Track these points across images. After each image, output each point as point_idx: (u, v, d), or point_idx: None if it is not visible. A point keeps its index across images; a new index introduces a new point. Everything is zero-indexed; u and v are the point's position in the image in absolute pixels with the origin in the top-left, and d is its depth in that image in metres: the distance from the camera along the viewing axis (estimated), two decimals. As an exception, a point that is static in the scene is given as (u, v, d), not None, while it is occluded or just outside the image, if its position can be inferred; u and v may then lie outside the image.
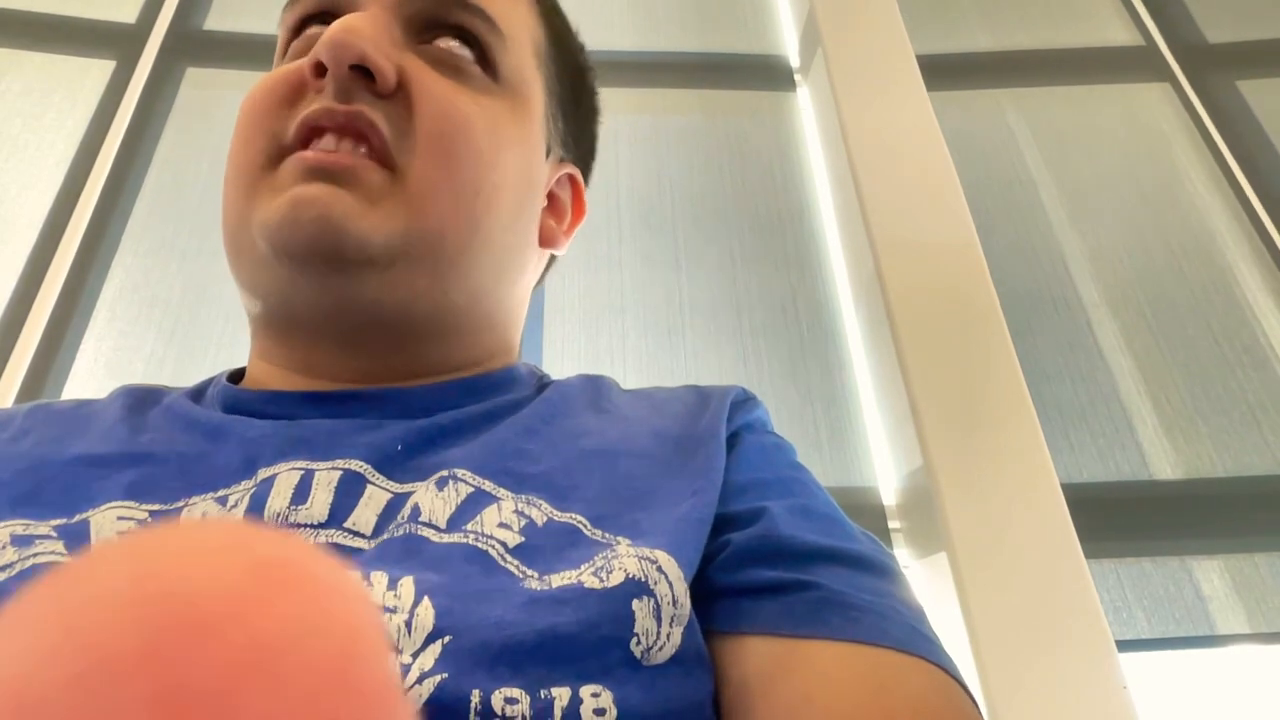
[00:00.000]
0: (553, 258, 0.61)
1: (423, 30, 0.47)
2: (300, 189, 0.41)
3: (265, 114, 0.44)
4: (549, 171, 0.54)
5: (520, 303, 0.55)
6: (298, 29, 0.49)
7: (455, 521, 0.36)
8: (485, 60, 0.48)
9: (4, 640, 0.11)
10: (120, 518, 0.36)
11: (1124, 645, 0.84)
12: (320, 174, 0.41)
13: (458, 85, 0.46)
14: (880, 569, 0.38)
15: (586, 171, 0.62)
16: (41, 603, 0.11)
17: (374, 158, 0.43)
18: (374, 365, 0.46)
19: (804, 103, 1.32)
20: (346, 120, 0.42)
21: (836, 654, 0.33)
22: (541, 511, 0.37)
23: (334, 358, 0.45)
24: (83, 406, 0.46)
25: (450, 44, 0.47)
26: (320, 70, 0.43)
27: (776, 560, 0.37)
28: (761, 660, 0.34)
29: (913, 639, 0.34)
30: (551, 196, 0.56)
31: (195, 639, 0.10)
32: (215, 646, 0.10)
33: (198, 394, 0.48)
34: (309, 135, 0.43)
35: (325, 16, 0.47)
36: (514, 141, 0.48)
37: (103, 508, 0.36)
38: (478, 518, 0.36)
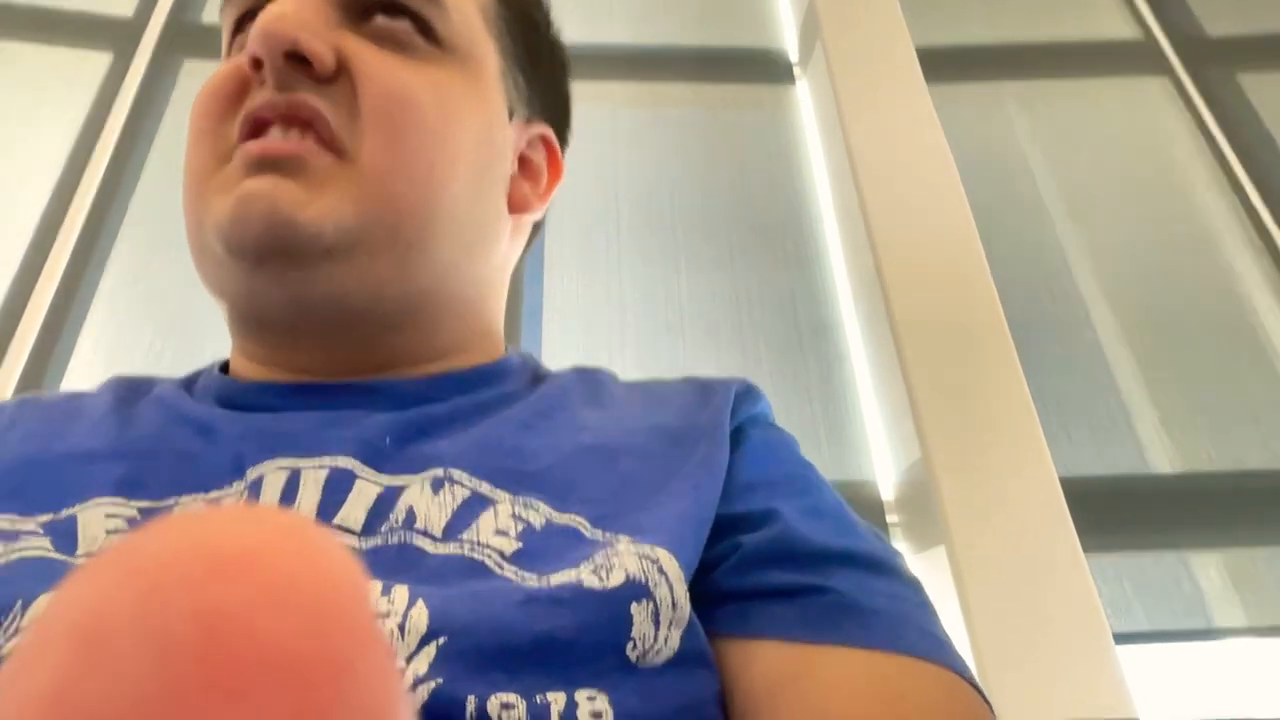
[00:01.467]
0: (537, 226, 0.59)
1: (359, 10, 0.45)
2: (246, 184, 0.40)
3: (212, 115, 0.43)
4: (515, 134, 0.52)
5: (497, 276, 0.53)
6: (238, 28, 0.48)
7: (452, 529, 0.35)
8: (427, 31, 0.46)
9: (83, 580, 0.14)
10: (108, 514, 0.35)
11: (1122, 638, 0.84)
12: (266, 165, 0.40)
13: (402, 59, 0.44)
14: (891, 569, 0.38)
15: (562, 128, 0.60)
16: (111, 555, 0.14)
17: (321, 144, 0.42)
18: (353, 358, 0.45)
19: (803, 97, 1.32)
20: (289, 109, 0.41)
21: (851, 661, 0.33)
22: (540, 514, 0.36)
23: (310, 354, 0.45)
24: (72, 399, 0.45)
25: (387, 20, 0.45)
26: (259, 63, 0.42)
27: (789, 563, 0.37)
28: (774, 665, 0.34)
29: (927, 644, 0.34)
30: (523, 159, 0.54)
31: (224, 578, 0.13)
32: (238, 582, 0.13)
33: (189, 384, 0.47)
34: (255, 129, 0.42)
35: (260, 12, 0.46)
36: (467, 109, 0.47)
37: (90, 504, 0.36)
38: (474, 525, 0.35)
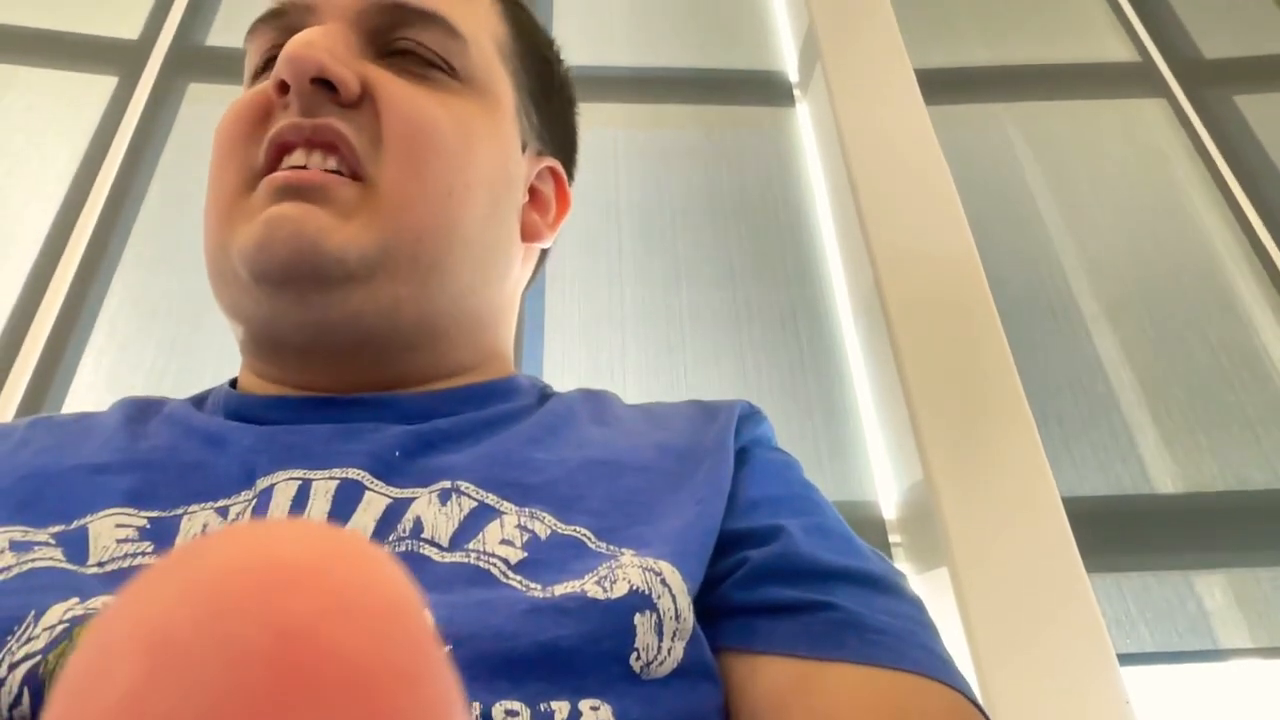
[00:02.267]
0: (544, 254, 0.60)
1: (383, 43, 0.47)
2: (273, 209, 0.41)
3: (237, 138, 0.45)
4: (527, 166, 0.54)
5: (509, 301, 0.54)
6: (264, 65, 0.49)
7: (458, 539, 0.35)
8: (448, 64, 0.48)
9: (145, 588, 0.14)
10: (119, 524, 0.35)
11: (1126, 659, 0.84)
12: (291, 193, 0.41)
13: (424, 88, 0.46)
14: (894, 588, 0.38)
15: (569, 163, 0.62)
16: (171, 565, 0.14)
17: (344, 169, 0.43)
18: (365, 377, 0.45)
19: (803, 118, 1.33)
20: (313, 133, 0.42)
21: (855, 677, 0.33)
22: (545, 525, 0.37)
23: (324, 373, 0.45)
24: (83, 419, 0.46)
25: (410, 59, 0.47)
26: (284, 88, 0.43)
27: (795, 579, 0.37)
28: (778, 680, 0.34)
29: (930, 662, 0.34)
30: (534, 191, 0.56)
31: (292, 589, 0.14)
32: (306, 594, 0.14)
33: (199, 402, 0.48)
34: (279, 153, 0.43)
35: None
36: (484, 138, 0.48)
37: (101, 514, 0.36)
38: (480, 535, 0.36)
